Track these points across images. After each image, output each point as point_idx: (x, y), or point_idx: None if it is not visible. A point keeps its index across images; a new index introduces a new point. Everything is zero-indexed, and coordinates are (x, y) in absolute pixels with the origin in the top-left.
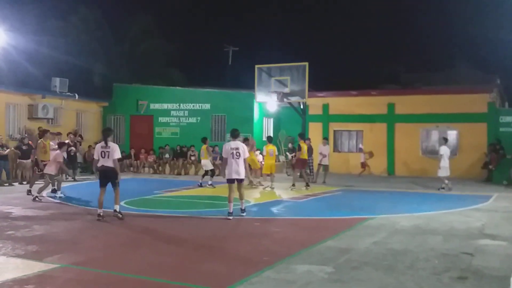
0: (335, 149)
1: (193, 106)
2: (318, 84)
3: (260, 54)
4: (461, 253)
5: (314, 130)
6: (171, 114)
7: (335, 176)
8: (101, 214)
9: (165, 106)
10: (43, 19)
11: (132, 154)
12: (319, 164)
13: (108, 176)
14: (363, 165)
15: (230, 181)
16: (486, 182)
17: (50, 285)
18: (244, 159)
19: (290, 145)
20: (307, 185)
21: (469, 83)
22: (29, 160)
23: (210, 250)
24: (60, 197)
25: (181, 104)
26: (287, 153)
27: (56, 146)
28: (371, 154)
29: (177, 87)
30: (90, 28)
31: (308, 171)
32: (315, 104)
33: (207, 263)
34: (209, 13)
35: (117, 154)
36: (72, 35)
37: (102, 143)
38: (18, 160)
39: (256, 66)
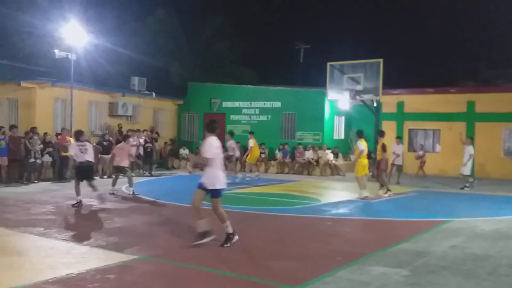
0: (410, 148)
1: (264, 104)
2: (392, 81)
3: (332, 51)
4: None
5: (388, 129)
6: (243, 112)
7: (409, 177)
8: (80, 200)
9: (237, 104)
10: (122, 20)
11: None
12: (392, 164)
13: (88, 170)
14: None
15: (220, 192)
16: None
17: (130, 275)
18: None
19: None
20: (388, 189)
21: None
22: (110, 156)
23: (281, 247)
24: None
25: (252, 102)
26: None
27: (135, 143)
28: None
29: (249, 86)
30: (166, 28)
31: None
32: (389, 101)
33: (279, 260)
34: (280, 11)
35: (94, 150)
36: (149, 36)
37: (78, 142)
38: (99, 155)
39: (328, 63)
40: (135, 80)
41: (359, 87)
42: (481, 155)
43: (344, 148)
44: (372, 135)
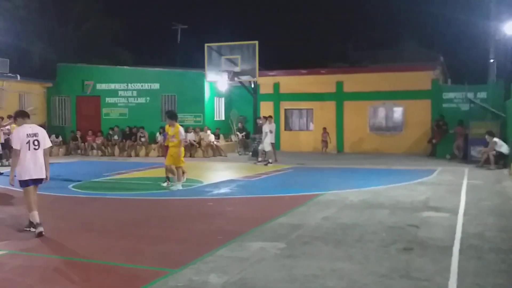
0: (286, 127)
1: (142, 86)
2: (269, 63)
3: (209, 32)
4: (407, 225)
5: (265, 109)
6: (119, 95)
7: (286, 154)
8: None
9: (113, 86)
10: None
11: (79, 136)
12: (272, 143)
13: None
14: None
15: (27, 183)
16: (430, 156)
17: None
18: (45, 151)
19: (240, 125)
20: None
21: (414, 61)
22: None
23: (163, 231)
24: None
25: (129, 84)
26: (237, 133)
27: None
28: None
29: (125, 67)
30: (31, 5)
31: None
32: (266, 83)
33: (160, 244)
34: None
35: None
36: (11, 13)
37: None
38: None
39: (206, 44)
40: None
41: (237, 69)
42: (350, 131)
43: (225, 129)
44: (251, 115)
